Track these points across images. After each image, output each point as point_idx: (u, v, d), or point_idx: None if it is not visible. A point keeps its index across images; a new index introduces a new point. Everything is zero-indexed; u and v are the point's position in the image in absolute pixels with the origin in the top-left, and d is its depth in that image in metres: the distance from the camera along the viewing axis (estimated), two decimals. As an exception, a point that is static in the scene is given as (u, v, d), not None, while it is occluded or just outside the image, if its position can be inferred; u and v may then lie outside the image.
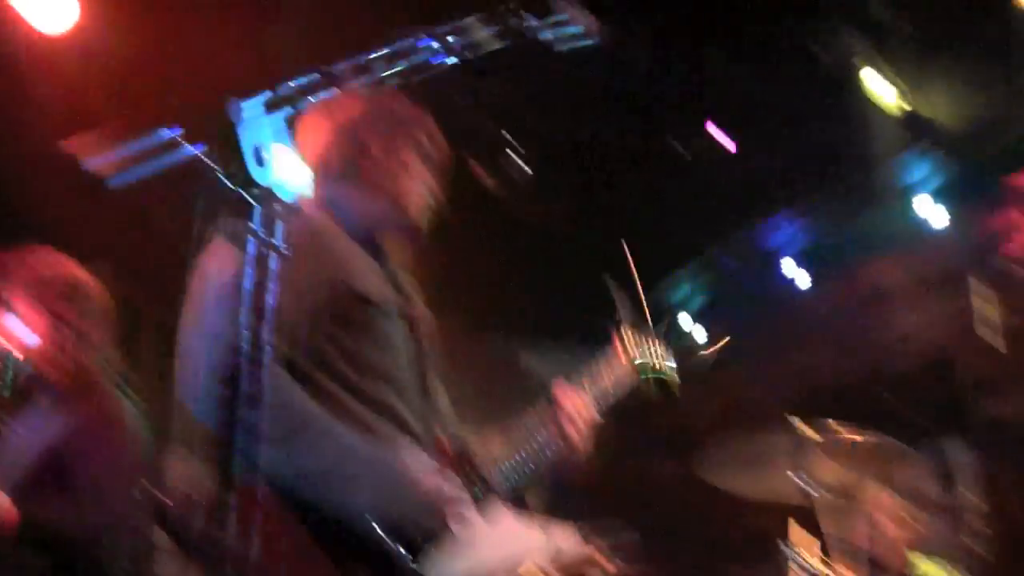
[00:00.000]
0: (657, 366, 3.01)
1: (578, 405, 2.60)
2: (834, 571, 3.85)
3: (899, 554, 4.77)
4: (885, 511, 4.84)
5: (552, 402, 2.59)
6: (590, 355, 2.83)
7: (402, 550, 2.19)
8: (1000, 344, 4.53)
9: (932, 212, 6.27)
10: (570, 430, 2.56)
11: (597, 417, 2.64)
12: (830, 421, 3.98)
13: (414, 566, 2.20)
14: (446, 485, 2.28)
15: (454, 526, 2.25)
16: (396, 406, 2.42)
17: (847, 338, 6.26)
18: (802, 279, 6.85)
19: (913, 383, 6.20)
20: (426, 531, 2.22)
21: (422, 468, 2.26)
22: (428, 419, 2.50)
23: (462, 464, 2.42)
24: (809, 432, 3.94)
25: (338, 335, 2.37)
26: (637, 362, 2.94)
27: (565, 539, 2.46)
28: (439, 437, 2.49)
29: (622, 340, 2.90)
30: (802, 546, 3.92)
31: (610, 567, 4.48)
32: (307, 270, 2.33)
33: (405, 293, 2.62)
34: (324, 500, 2.19)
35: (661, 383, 3.05)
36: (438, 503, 2.24)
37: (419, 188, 2.61)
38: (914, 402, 6.09)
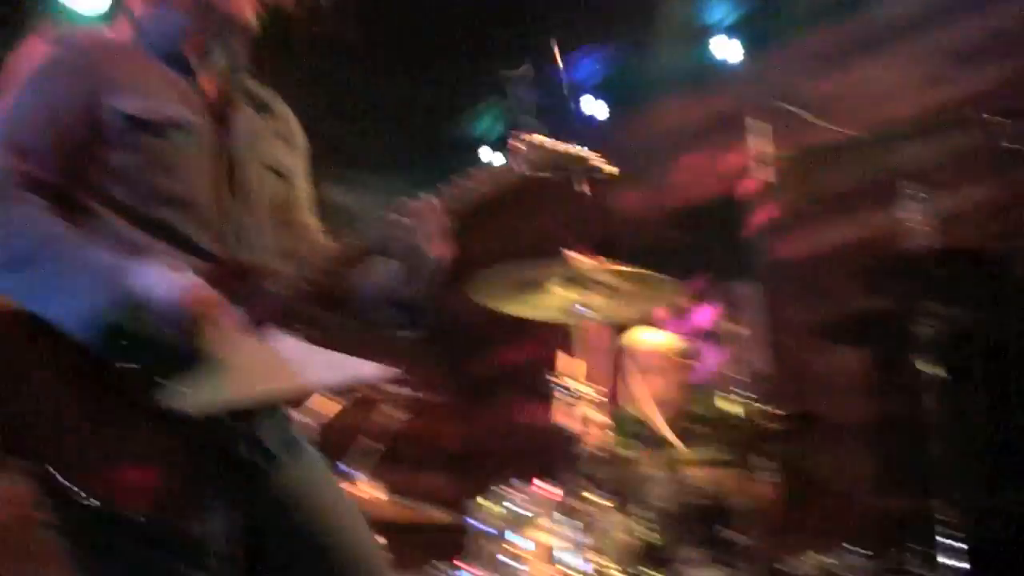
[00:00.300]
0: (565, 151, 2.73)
1: (418, 212, 2.41)
2: (597, 391, 3.98)
3: (674, 391, 4.97)
4: (653, 353, 5.02)
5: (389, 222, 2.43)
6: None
7: (155, 375, 2.13)
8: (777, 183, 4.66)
9: (728, 49, 6.30)
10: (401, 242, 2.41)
11: (446, 220, 2.42)
12: (602, 257, 4.07)
13: (168, 388, 2.14)
14: (197, 303, 2.15)
15: (214, 347, 2.17)
16: (180, 227, 2.30)
17: (641, 177, 6.34)
18: (600, 111, 6.86)
19: (703, 222, 6.36)
20: (177, 351, 2.14)
21: (178, 283, 2.15)
22: (231, 239, 2.37)
23: (257, 287, 2.30)
24: (581, 262, 4.02)
25: (105, 156, 2.28)
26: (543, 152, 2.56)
27: (365, 370, 2.36)
28: (240, 258, 2.35)
29: (519, 135, 2.67)
30: (569, 372, 4.04)
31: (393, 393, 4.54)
32: (62, 91, 2.29)
33: (227, 105, 2.47)
34: (71, 328, 2.10)
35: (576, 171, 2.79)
36: (185, 321, 2.13)
37: None
38: (704, 240, 6.27)
